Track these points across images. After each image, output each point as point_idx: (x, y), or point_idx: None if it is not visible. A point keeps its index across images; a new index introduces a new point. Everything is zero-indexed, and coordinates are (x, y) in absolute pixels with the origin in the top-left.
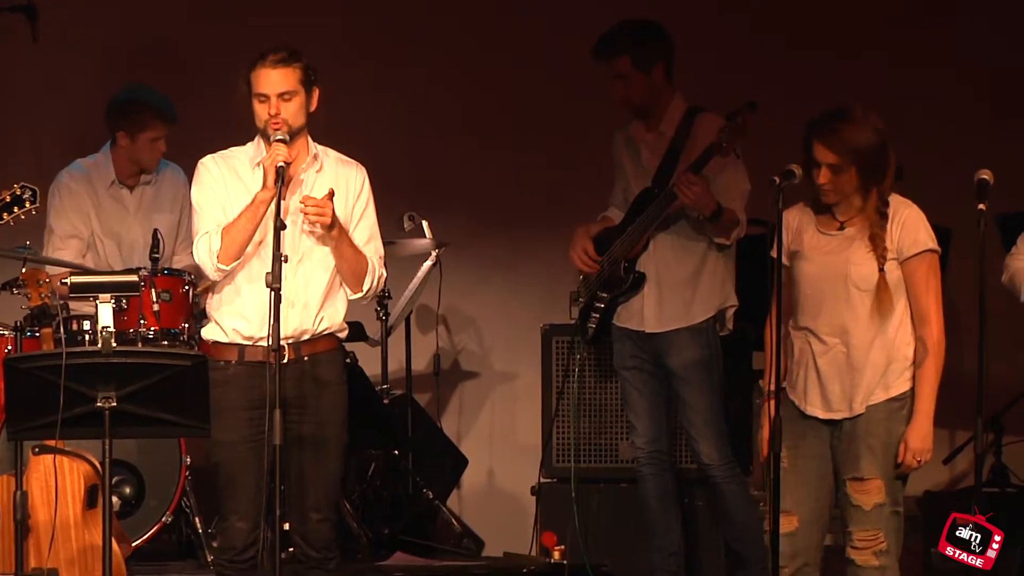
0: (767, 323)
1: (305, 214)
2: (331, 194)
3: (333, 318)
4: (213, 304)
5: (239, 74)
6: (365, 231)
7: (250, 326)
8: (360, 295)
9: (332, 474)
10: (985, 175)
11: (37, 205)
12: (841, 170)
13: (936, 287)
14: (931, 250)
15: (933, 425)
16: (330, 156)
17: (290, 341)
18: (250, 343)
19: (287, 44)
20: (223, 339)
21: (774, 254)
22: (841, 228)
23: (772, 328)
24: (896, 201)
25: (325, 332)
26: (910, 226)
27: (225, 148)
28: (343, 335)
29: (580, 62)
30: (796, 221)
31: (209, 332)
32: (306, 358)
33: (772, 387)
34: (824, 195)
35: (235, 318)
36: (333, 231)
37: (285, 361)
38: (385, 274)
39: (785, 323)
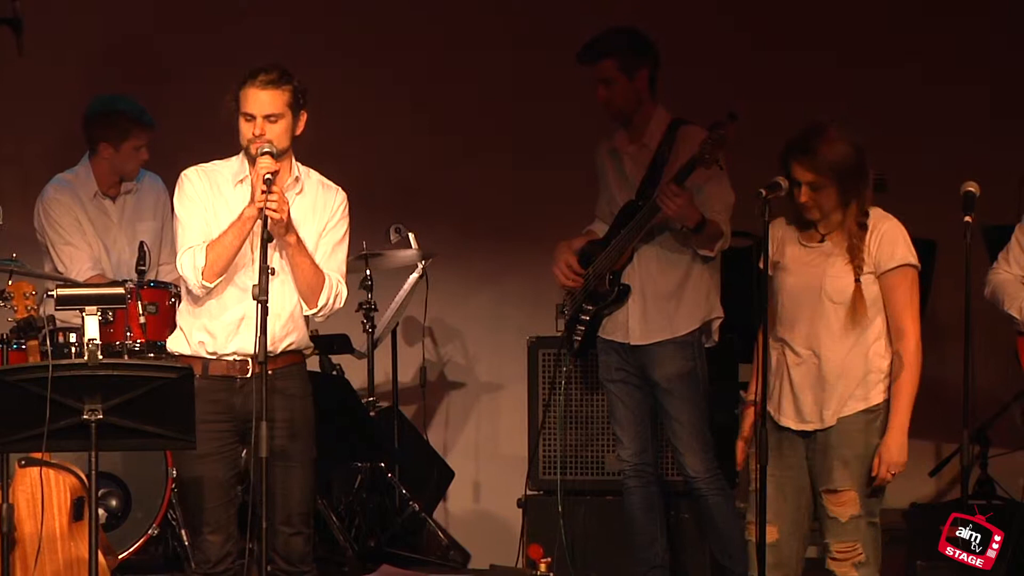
0: (758, 334)
1: (265, 204)
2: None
3: (297, 336)
4: (181, 316)
5: (228, 89)
6: (329, 245)
7: (215, 341)
8: (315, 310)
9: (301, 488)
10: (971, 187)
11: (1, 224)
12: (820, 187)
13: (913, 301)
14: (909, 264)
15: (907, 437)
16: (312, 178)
17: (253, 356)
18: (214, 358)
19: (279, 64)
20: (187, 352)
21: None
22: (822, 241)
23: (760, 338)
24: (876, 214)
25: (289, 350)
26: (888, 240)
27: (208, 155)
28: (308, 352)
29: (568, 74)
30: (781, 233)
31: (174, 343)
32: (270, 372)
33: (753, 397)
34: (806, 211)
35: (200, 332)
36: (290, 236)
37: (249, 375)
38: (345, 293)
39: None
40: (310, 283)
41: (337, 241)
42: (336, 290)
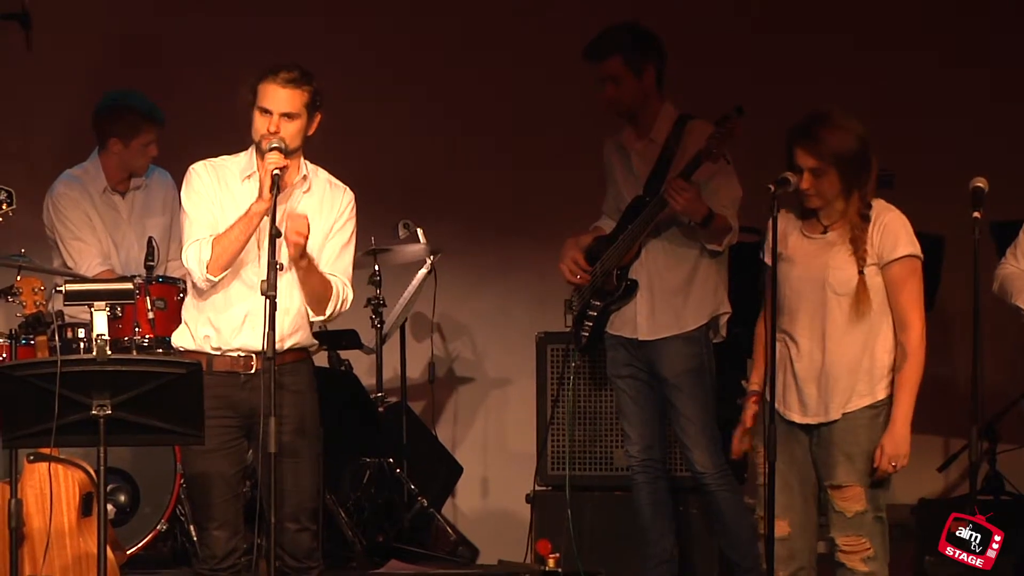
0: (757, 326)
1: (287, 233)
2: (307, 224)
3: (302, 334)
4: (186, 310)
5: (243, 82)
6: (337, 247)
7: (219, 336)
8: (322, 318)
9: (307, 484)
10: (980, 183)
11: (14, 207)
12: (822, 174)
13: (916, 293)
14: (912, 256)
15: (911, 430)
16: (320, 177)
17: (257, 352)
18: (218, 353)
19: (300, 64)
20: (191, 346)
21: (767, 259)
22: (824, 232)
23: (766, 332)
24: (879, 206)
25: (293, 347)
26: (891, 231)
27: (215, 151)
28: (313, 349)
29: (575, 70)
30: (784, 224)
31: (179, 338)
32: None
33: (756, 388)
34: (807, 200)
35: (205, 326)
36: (303, 261)
37: (253, 371)
38: (351, 296)
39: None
40: (318, 296)
41: (344, 243)
42: (343, 295)
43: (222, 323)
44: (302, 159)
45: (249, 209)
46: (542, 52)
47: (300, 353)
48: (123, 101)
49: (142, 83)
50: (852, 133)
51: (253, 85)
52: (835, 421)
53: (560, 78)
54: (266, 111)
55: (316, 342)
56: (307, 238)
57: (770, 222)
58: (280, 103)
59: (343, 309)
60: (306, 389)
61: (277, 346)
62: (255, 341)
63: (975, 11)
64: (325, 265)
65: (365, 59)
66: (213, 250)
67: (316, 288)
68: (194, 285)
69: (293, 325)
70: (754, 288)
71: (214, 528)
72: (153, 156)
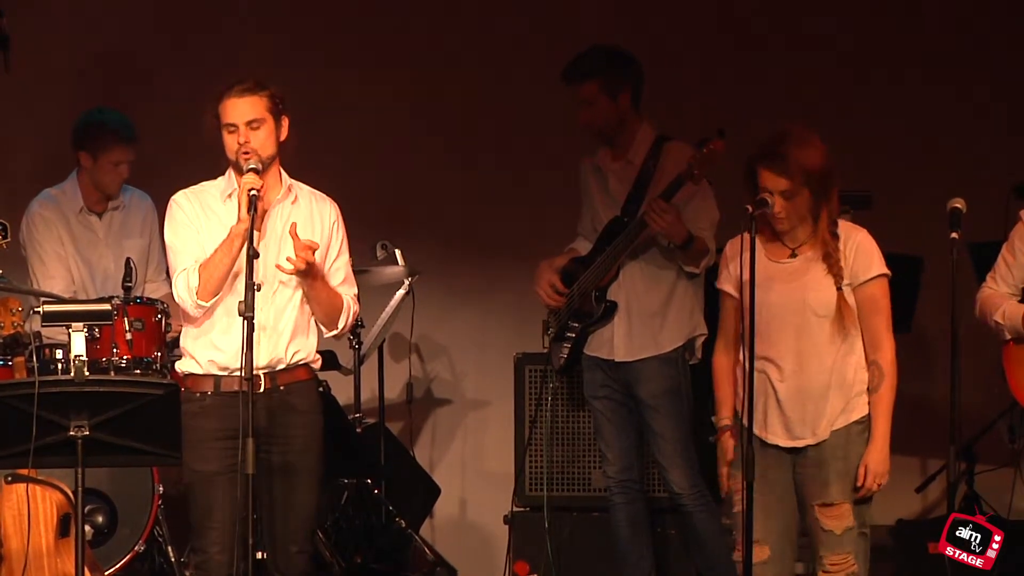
0: (715, 357)
1: (293, 254)
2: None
3: (306, 347)
4: (187, 337)
5: (207, 108)
6: (341, 271)
7: (225, 356)
8: (335, 333)
9: (307, 505)
10: (958, 204)
11: (8, 239)
12: (793, 195)
13: (888, 312)
14: (884, 275)
15: (890, 449)
16: (303, 190)
17: (264, 371)
18: (225, 373)
19: (252, 75)
20: (198, 371)
21: (719, 284)
22: (793, 255)
23: (745, 357)
24: (847, 226)
25: (299, 362)
26: (864, 251)
27: (195, 170)
28: (317, 365)
29: (554, 91)
30: (741, 251)
31: (183, 365)
32: (281, 388)
33: (727, 423)
34: (777, 223)
35: (209, 349)
36: (309, 277)
37: (261, 390)
38: (358, 309)
39: (733, 352)
40: (328, 312)
41: (346, 262)
42: (353, 309)
43: (226, 344)
44: (281, 172)
45: (230, 232)
46: (525, 74)
47: (306, 372)
48: (96, 116)
49: (122, 103)
50: (816, 148)
51: (214, 108)
52: (824, 440)
53: (541, 100)
54: (232, 127)
55: (319, 356)
56: (306, 263)
57: (741, 245)
58: (242, 113)
59: (353, 323)
60: (313, 410)
61: (283, 360)
62: (260, 358)
63: (957, 32)
64: (334, 286)
65: (343, 77)
66: (200, 277)
67: (325, 301)
68: (187, 314)
69: (294, 338)
70: None
71: (217, 552)
72: (124, 177)
